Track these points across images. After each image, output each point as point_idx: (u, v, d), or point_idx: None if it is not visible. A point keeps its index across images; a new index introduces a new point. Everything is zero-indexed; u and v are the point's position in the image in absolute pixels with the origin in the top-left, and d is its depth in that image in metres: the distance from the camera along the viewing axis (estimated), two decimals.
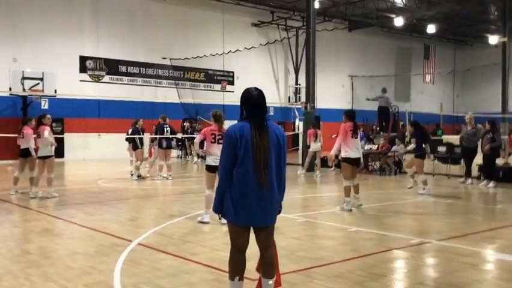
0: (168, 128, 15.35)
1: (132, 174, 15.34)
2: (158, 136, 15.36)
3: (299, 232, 7.77)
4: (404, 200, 11.23)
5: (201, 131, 8.45)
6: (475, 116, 14.37)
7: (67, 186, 13.72)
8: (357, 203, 9.80)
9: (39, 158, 11.10)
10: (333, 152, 9.85)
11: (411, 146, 12.06)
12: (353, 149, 9.53)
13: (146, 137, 16.59)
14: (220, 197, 4.03)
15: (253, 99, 4.03)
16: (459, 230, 7.85)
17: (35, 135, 11.32)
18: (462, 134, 14.16)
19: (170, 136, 15.58)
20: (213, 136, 8.20)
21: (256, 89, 4.11)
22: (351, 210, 9.43)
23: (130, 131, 15.94)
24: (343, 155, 9.64)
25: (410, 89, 36.14)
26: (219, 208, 4.07)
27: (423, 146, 12.16)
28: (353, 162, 9.60)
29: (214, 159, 8.10)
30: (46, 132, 10.93)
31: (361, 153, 9.83)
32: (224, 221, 4.15)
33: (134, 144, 15.52)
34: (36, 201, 10.72)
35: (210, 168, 8.26)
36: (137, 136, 15.45)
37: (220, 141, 8.16)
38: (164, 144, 15.18)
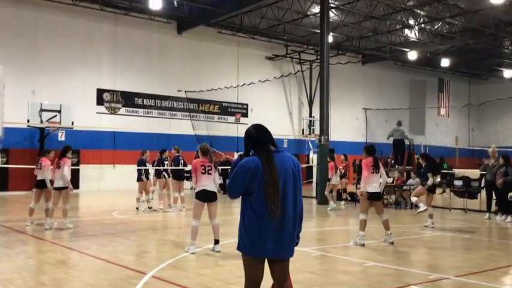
0: (182, 160, 15.40)
1: (137, 208, 15.33)
2: (173, 168, 15.37)
3: (315, 266, 7.68)
4: (421, 235, 11.07)
5: (192, 169, 8.57)
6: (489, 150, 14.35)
7: (81, 218, 13.76)
8: (388, 240, 9.57)
9: (56, 189, 11.18)
10: (362, 189, 9.64)
11: (431, 181, 11.85)
12: (373, 183, 9.49)
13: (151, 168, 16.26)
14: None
15: (252, 135, 4.06)
16: (478, 266, 7.70)
17: (52, 167, 11.42)
18: (485, 165, 14.15)
19: (185, 168, 15.56)
20: (203, 167, 8.43)
21: (253, 126, 4.15)
22: (363, 245, 9.28)
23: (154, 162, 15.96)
24: (362, 189, 9.62)
25: (424, 122, 36.04)
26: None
27: (431, 178, 12.01)
28: (372, 196, 9.52)
29: (203, 187, 8.36)
30: (66, 168, 11.05)
31: (379, 188, 9.70)
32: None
33: (138, 176, 15.40)
34: (51, 232, 10.75)
35: (200, 196, 8.36)
36: (143, 168, 15.41)
37: (210, 171, 8.46)
38: (179, 176, 15.21)
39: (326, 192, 16.46)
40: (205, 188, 8.38)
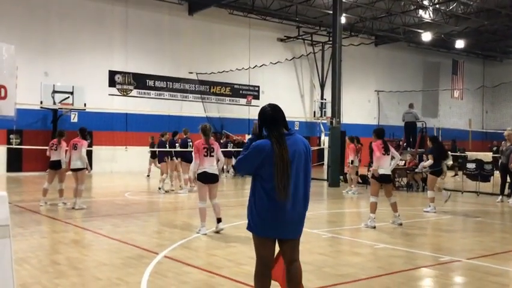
0: (191, 142, 15.43)
1: (159, 188, 15.47)
2: (182, 150, 15.44)
3: (325, 248, 7.71)
4: (432, 218, 11.04)
5: (195, 150, 8.50)
6: (502, 133, 14.24)
7: (94, 198, 13.90)
8: (397, 222, 9.61)
9: (72, 170, 11.31)
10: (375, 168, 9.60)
11: (429, 162, 11.85)
12: (383, 166, 9.48)
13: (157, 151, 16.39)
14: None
15: (267, 115, 4.07)
16: (489, 249, 7.68)
17: (67, 148, 11.54)
18: (501, 148, 14.10)
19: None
20: (206, 150, 8.38)
21: (270, 105, 4.16)
22: (374, 227, 9.29)
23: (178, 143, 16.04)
24: (374, 167, 9.60)
25: (438, 104, 35.72)
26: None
27: (440, 162, 11.94)
28: (382, 179, 9.50)
29: (204, 170, 8.31)
30: (84, 149, 11.25)
31: (390, 170, 9.71)
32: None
33: (159, 157, 15.63)
34: (65, 212, 10.90)
35: (202, 178, 8.37)
36: (163, 149, 15.56)
37: (212, 153, 8.39)
38: (188, 158, 15.26)
39: (353, 176, 16.31)
40: (206, 170, 8.34)
